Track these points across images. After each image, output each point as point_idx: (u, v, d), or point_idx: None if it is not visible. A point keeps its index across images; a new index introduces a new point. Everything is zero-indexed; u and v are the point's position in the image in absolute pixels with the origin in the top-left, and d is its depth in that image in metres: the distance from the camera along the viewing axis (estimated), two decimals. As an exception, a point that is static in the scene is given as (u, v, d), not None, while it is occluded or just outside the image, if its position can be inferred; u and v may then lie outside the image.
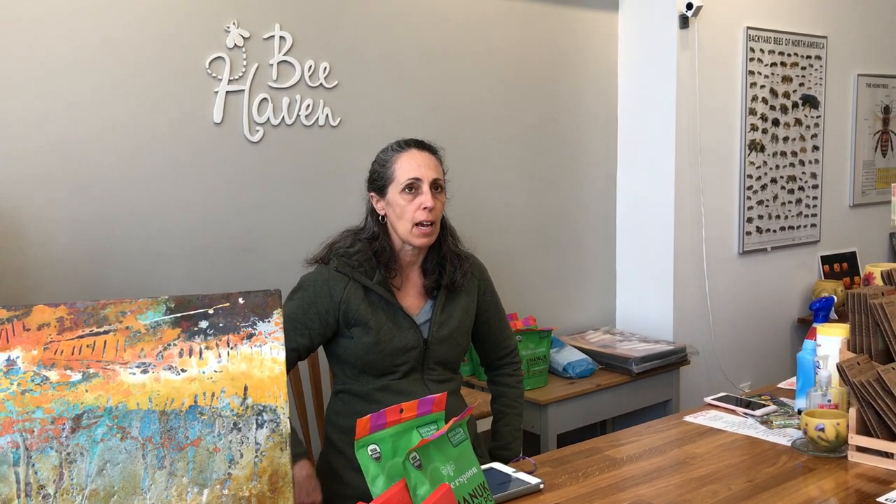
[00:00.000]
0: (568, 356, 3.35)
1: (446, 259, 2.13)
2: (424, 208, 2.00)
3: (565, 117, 3.70)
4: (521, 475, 1.80)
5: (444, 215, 2.16)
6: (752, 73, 3.88)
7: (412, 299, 2.12)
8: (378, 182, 2.09)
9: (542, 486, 1.76)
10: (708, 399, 2.35)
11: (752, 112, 3.91)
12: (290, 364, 2.04)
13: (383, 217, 2.09)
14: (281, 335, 1.12)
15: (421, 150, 2.09)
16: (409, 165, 2.04)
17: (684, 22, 3.57)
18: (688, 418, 2.23)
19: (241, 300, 1.12)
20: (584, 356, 3.35)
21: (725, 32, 3.79)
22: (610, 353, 3.40)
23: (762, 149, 3.97)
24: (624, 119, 3.85)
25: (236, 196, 2.81)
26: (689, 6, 3.53)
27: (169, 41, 2.64)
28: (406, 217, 2.02)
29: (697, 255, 3.76)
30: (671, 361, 3.44)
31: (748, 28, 3.84)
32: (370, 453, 1.25)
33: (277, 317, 1.14)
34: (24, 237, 2.45)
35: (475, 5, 3.35)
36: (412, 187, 2.02)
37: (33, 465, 0.99)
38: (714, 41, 3.73)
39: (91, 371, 1.03)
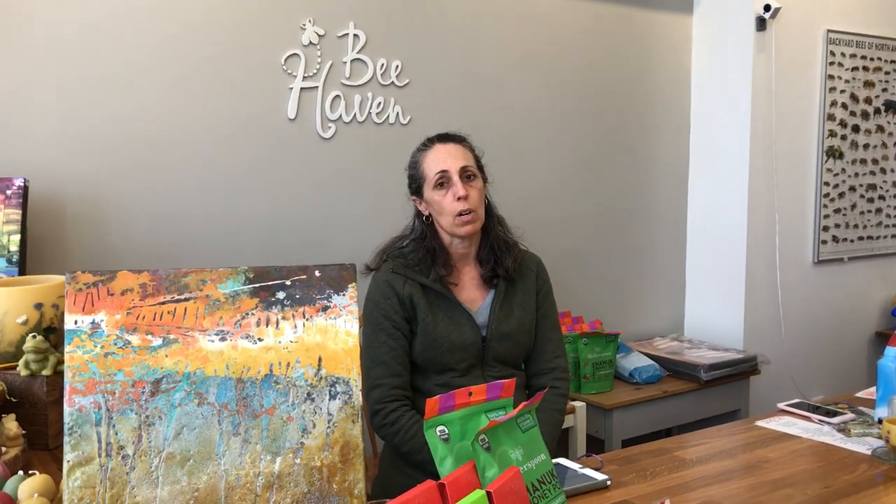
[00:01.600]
0: (634, 361, 3.30)
1: (497, 247, 2.12)
2: (459, 198, 2.00)
3: (636, 120, 3.66)
4: (588, 471, 1.77)
5: (491, 203, 2.15)
6: (831, 77, 3.77)
7: (470, 292, 2.11)
8: (414, 185, 2.11)
9: (608, 482, 1.73)
10: (781, 405, 2.28)
11: (831, 118, 3.79)
12: (407, 370, 2.02)
13: (428, 217, 2.10)
14: (355, 308, 1.13)
15: (444, 142, 2.09)
16: (434, 161, 2.05)
17: (761, 24, 3.50)
18: (760, 423, 2.16)
19: (317, 273, 1.14)
20: (651, 362, 3.30)
21: (804, 35, 3.69)
22: (678, 360, 3.33)
23: (840, 156, 3.86)
24: (697, 123, 3.79)
25: (308, 190, 2.85)
26: (767, 8, 3.46)
27: (246, 38, 2.70)
28: (446, 211, 2.02)
29: (770, 263, 3.66)
30: (741, 370, 3.35)
31: (828, 31, 3.74)
32: (438, 434, 1.25)
33: (352, 290, 1.15)
34: (104, 225, 2.53)
35: (547, 6, 3.34)
36: (443, 181, 2.02)
37: (114, 425, 1.01)
38: (792, 44, 3.64)
39: (171, 337, 1.06)
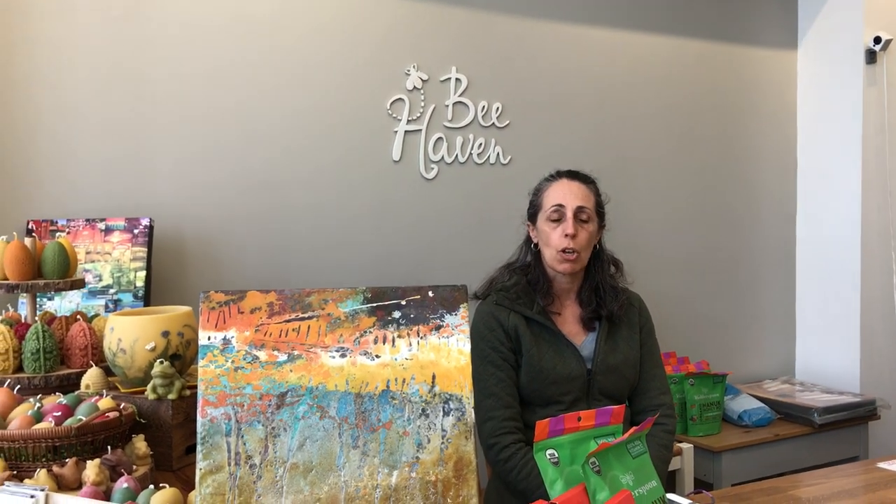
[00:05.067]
0: (743, 404, 3.20)
1: (602, 290, 2.11)
2: (566, 235, 2.01)
3: (740, 157, 3.61)
4: (699, 507, 1.73)
5: (603, 247, 2.15)
6: (948, 109, 3.62)
7: (572, 326, 2.11)
8: (531, 210, 2.14)
9: (721, 518, 1.69)
10: (905, 448, 2.17)
11: (950, 151, 3.63)
12: (517, 401, 2.01)
13: (536, 245, 2.12)
14: (466, 328, 1.17)
15: (571, 179, 2.11)
16: (555, 194, 2.07)
17: (871, 57, 3.41)
18: (882, 465, 2.07)
19: (430, 293, 1.18)
20: (761, 404, 3.19)
21: (917, 67, 3.58)
22: (790, 403, 3.22)
23: (961, 191, 3.68)
24: (804, 159, 3.70)
25: (412, 229, 2.93)
26: (878, 40, 3.37)
27: (355, 84, 2.82)
28: (551, 244, 2.04)
29: (888, 303, 3.50)
30: (858, 414, 3.20)
31: (943, 62, 3.61)
32: (548, 457, 1.26)
33: (463, 310, 1.18)
34: (220, 264, 2.66)
35: (647, 46, 3.35)
36: (557, 215, 2.04)
37: (242, 436, 1.07)
38: (905, 77, 3.53)
39: (295, 353, 1.12)
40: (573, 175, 2.12)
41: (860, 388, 3.43)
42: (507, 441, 1.95)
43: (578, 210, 2.03)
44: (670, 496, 1.81)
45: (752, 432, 3.08)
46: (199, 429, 1.08)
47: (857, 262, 3.45)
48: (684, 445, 2.88)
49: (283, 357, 1.11)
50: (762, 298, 3.68)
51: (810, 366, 3.68)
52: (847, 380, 3.49)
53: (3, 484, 1.22)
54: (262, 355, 1.11)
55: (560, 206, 2.04)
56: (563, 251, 2.02)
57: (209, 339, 1.12)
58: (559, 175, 2.12)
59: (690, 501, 1.78)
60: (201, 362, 1.10)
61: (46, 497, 1.13)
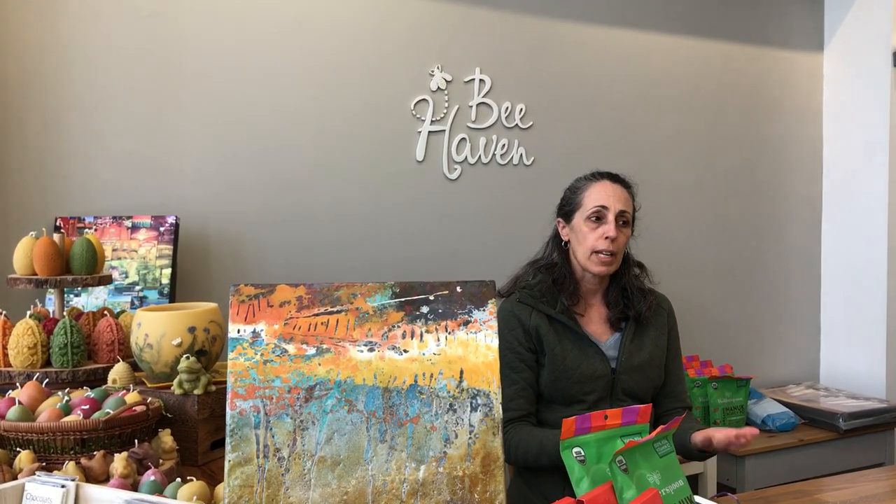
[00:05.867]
0: (767, 408, 3.17)
1: (630, 292, 2.11)
2: (606, 237, 2.00)
3: (765, 160, 3.58)
4: (724, 509, 1.72)
5: (629, 251, 2.15)
6: (977, 112, 3.57)
7: (597, 326, 2.10)
8: (566, 207, 2.12)
9: (747, 521, 1.67)
10: (933, 453, 2.14)
11: (979, 155, 3.59)
12: (530, 403, 2.01)
13: (566, 243, 2.11)
14: (494, 323, 1.16)
15: (614, 182, 2.10)
16: (598, 194, 2.06)
17: (899, 59, 3.38)
18: (910, 470, 2.04)
19: (458, 289, 1.18)
20: (785, 409, 3.16)
21: (946, 70, 3.53)
22: (814, 408, 3.19)
23: None
24: (830, 162, 3.67)
25: (435, 229, 2.93)
26: (905, 42, 3.34)
27: (379, 85, 2.83)
28: (587, 244, 2.03)
29: (915, 308, 3.46)
30: (885, 420, 3.17)
31: (972, 65, 3.56)
32: (575, 455, 1.25)
33: (491, 306, 1.18)
34: (245, 261, 2.68)
35: (672, 48, 3.34)
36: (598, 216, 2.03)
37: (271, 428, 1.08)
38: (933, 79, 3.49)
39: (324, 346, 1.12)
40: (617, 178, 2.11)
41: (886, 394, 3.39)
42: (505, 429, 1.96)
43: (620, 213, 2.03)
44: (695, 498, 1.80)
45: (776, 437, 3.05)
46: (228, 421, 1.08)
47: (884, 266, 3.41)
48: (707, 449, 2.85)
49: (311, 350, 1.12)
50: (787, 302, 3.65)
51: (835, 371, 3.64)
52: (872, 385, 3.45)
53: (32, 475, 1.24)
54: (291, 349, 1.12)
55: (603, 207, 2.03)
56: (601, 253, 2.01)
57: (238, 332, 1.12)
58: (601, 176, 2.11)
59: (715, 503, 1.76)
60: (231, 355, 1.11)
61: (77, 487, 1.14)
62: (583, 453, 1.27)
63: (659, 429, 1.32)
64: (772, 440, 3.02)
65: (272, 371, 1.10)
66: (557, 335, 2.03)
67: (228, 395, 1.09)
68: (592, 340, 2.04)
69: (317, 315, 1.13)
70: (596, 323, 2.11)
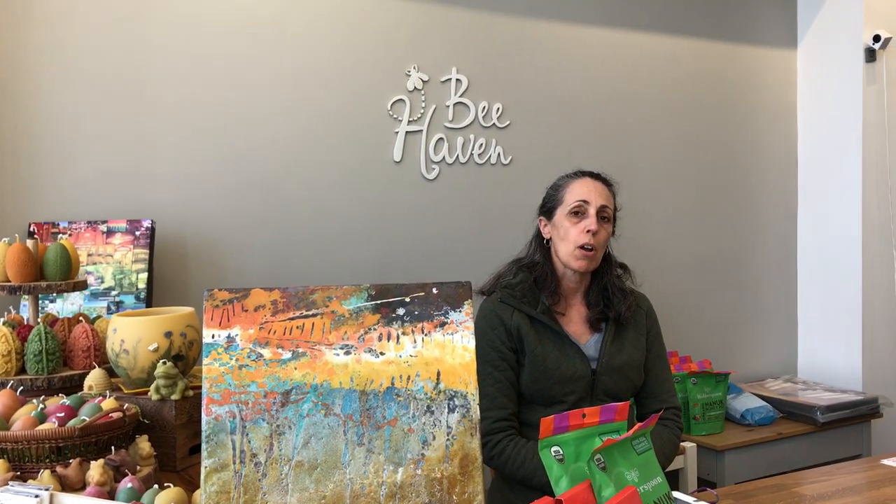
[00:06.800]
0: (746, 402, 3.20)
1: (610, 292, 2.11)
2: (588, 231, 2.01)
3: (741, 156, 3.61)
4: (703, 504, 1.73)
5: (611, 251, 2.15)
6: (948, 107, 3.62)
7: (577, 326, 2.11)
8: (548, 205, 2.13)
9: (726, 516, 1.68)
10: (909, 445, 2.17)
11: (950, 149, 3.64)
12: (513, 402, 2.01)
13: (548, 241, 2.12)
14: (471, 324, 1.16)
15: (595, 179, 2.12)
16: (579, 189, 2.07)
17: (871, 55, 3.42)
18: (886, 461, 2.06)
19: (434, 290, 1.18)
20: (763, 403, 3.19)
21: (917, 65, 3.58)
22: (792, 401, 3.21)
23: (962, 188, 3.68)
24: (804, 158, 3.71)
25: (413, 229, 2.93)
26: (877, 38, 3.38)
27: (355, 86, 2.83)
28: (569, 239, 2.04)
29: (889, 300, 3.51)
30: (861, 413, 3.20)
31: (943, 60, 3.61)
32: (553, 454, 1.26)
33: (468, 307, 1.18)
34: (221, 264, 2.66)
35: (646, 46, 3.36)
36: (579, 211, 2.04)
37: (247, 434, 1.07)
38: (904, 75, 3.54)
39: (300, 350, 1.11)
40: (598, 176, 2.13)
41: (862, 387, 3.43)
42: (497, 438, 1.96)
43: (601, 208, 2.04)
44: (676, 494, 1.81)
45: (754, 431, 3.08)
46: (203, 427, 1.07)
47: (859, 260, 3.45)
48: (687, 444, 2.88)
49: (287, 355, 1.11)
50: (764, 297, 3.68)
51: (812, 364, 3.68)
52: (849, 378, 3.49)
53: (6, 485, 1.22)
54: (267, 353, 1.11)
55: (584, 201, 2.04)
56: (583, 247, 2.02)
57: (213, 336, 1.11)
58: (583, 174, 2.12)
59: (695, 499, 1.77)
60: (205, 360, 1.10)
61: (51, 497, 1.13)
62: (561, 452, 1.27)
63: (636, 426, 1.32)
64: (751, 434, 3.04)
65: (248, 376, 1.10)
66: (538, 335, 2.03)
67: (204, 401, 1.09)
68: (573, 341, 2.05)
69: (292, 319, 1.13)
70: (576, 323, 2.11)
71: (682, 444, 2.85)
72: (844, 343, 3.53)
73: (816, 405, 3.12)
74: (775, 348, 3.72)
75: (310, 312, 1.14)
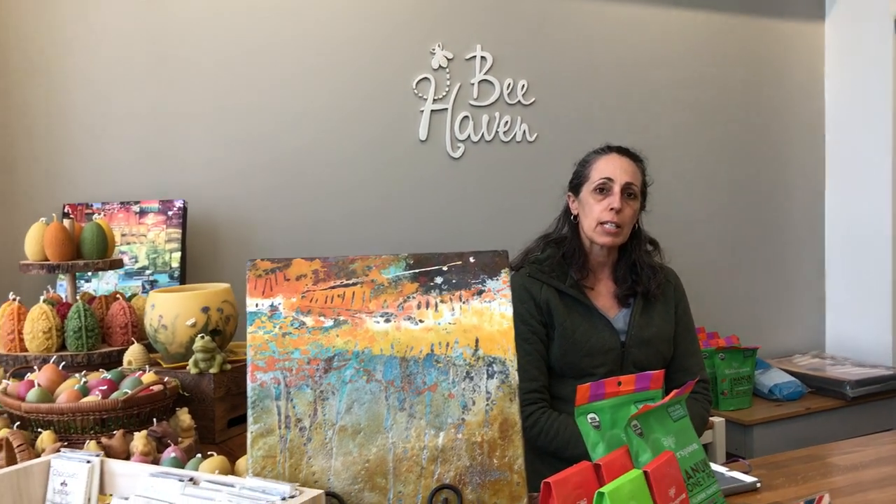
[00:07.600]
0: (774, 377, 3.19)
1: (639, 267, 2.11)
2: (611, 209, 2.01)
3: (767, 130, 3.58)
4: (735, 474, 1.74)
5: (641, 226, 2.15)
6: (979, 78, 3.57)
7: (606, 300, 2.11)
8: (575, 181, 2.13)
9: (758, 484, 1.70)
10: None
11: (981, 121, 3.58)
12: (544, 374, 2.02)
13: (575, 217, 2.12)
14: (508, 292, 1.18)
15: (621, 154, 2.11)
16: (604, 166, 2.06)
17: (900, 26, 3.37)
18: (919, 433, 2.06)
19: (472, 259, 1.19)
20: (791, 378, 3.19)
21: (947, 36, 3.53)
22: (821, 377, 3.21)
23: None
24: (832, 130, 3.67)
25: (439, 208, 2.94)
26: (906, 9, 3.33)
27: (380, 65, 2.83)
28: (592, 215, 2.04)
29: (919, 275, 3.48)
30: (892, 387, 3.19)
31: (974, 30, 3.55)
32: (590, 421, 1.27)
33: (505, 275, 1.20)
34: (252, 242, 2.70)
35: (673, 20, 3.33)
36: (604, 188, 2.03)
37: (292, 399, 1.10)
38: (934, 46, 3.48)
39: (341, 318, 1.14)
40: (625, 152, 2.11)
41: (892, 361, 3.41)
42: (529, 410, 1.97)
43: (626, 186, 2.03)
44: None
45: (783, 406, 3.08)
46: (249, 393, 1.10)
47: (888, 234, 3.42)
48: (716, 419, 2.88)
49: (329, 322, 1.13)
50: (791, 272, 3.66)
51: (841, 339, 3.66)
52: (879, 353, 3.47)
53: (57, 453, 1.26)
54: (309, 321, 1.14)
55: (609, 179, 2.03)
56: (606, 224, 2.02)
57: (257, 305, 1.14)
58: (610, 149, 2.11)
59: (727, 469, 1.79)
60: (249, 328, 1.13)
61: (102, 462, 1.16)
62: (597, 419, 1.28)
63: (672, 393, 1.33)
64: (779, 409, 3.04)
65: (291, 343, 1.12)
66: (567, 309, 2.04)
67: (249, 368, 1.11)
68: (602, 314, 2.06)
69: (333, 288, 1.15)
70: (605, 297, 2.12)
71: (710, 418, 2.86)
72: (873, 318, 3.50)
73: (846, 380, 3.11)
74: (803, 324, 3.70)
75: (350, 281, 1.16)
